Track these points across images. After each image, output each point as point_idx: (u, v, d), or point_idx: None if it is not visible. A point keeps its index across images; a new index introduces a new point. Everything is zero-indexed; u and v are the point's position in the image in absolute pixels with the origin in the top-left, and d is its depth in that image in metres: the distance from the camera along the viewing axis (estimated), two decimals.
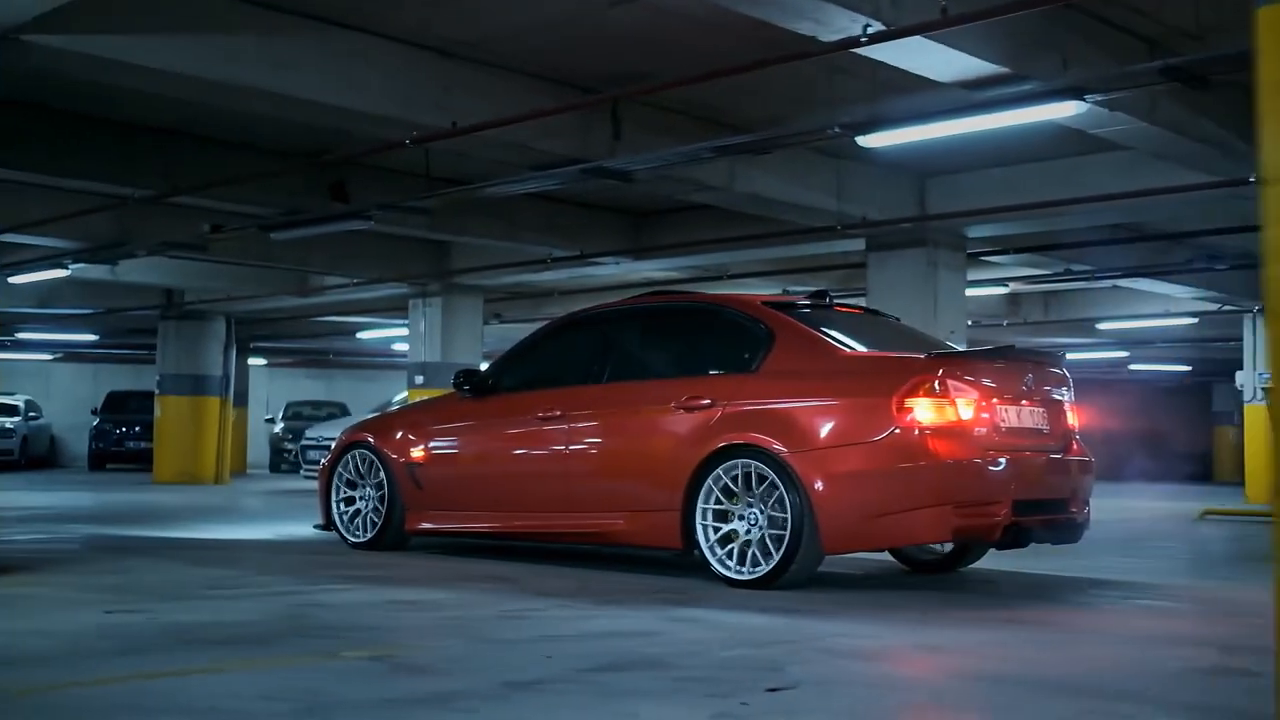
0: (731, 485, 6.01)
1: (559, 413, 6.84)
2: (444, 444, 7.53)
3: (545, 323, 8.00)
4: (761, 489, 5.91)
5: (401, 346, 28.03)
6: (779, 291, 17.48)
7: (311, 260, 15.34)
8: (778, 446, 5.85)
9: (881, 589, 6.35)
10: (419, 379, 16.58)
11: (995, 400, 5.90)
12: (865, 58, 6.80)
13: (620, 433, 6.65)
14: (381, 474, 7.62)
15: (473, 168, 10.61)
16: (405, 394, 16.69)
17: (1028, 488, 5.91)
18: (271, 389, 30.05)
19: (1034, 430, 6.12)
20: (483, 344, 17.22)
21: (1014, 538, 5.84)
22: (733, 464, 6.01)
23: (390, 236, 15.72)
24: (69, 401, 28.94)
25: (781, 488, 5.81)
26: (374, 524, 7.66)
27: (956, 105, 7.60)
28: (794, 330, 6.25)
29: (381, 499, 7.61)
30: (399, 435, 7.66)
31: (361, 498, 7.78)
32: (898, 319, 7.50)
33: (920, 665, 4.24)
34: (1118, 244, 14.01)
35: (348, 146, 9.92)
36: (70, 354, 28.59)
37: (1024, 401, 6.08)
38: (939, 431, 5.66)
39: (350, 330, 23.42)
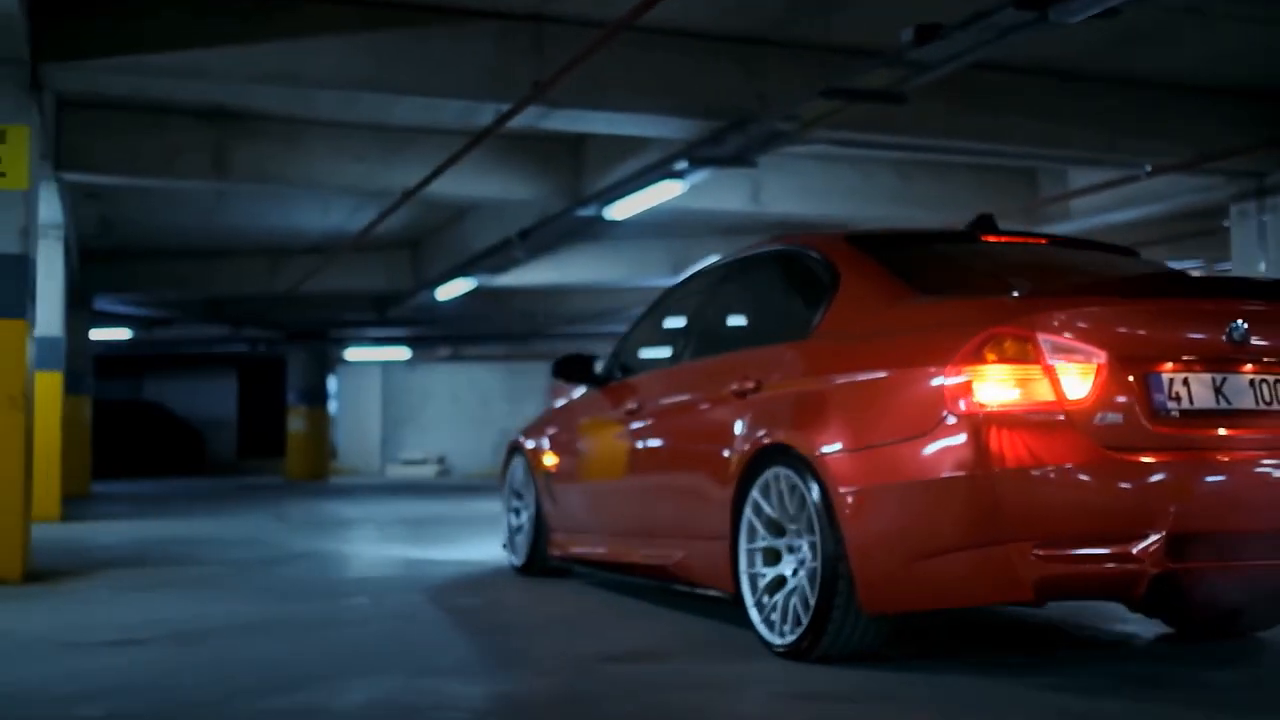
0: (777, 505, 4.16)
1: (636, 405, 5.38)
2: (562, 449, 6.29)
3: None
4: (807, 512, 4.00)
5: None
6: None
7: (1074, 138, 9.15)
8: (806, 449, 3.96)
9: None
10: None
11: (1162, 365, 3.57)
12: None
13: (673, 432, 5.10)
14: (533, 486, 6.49)
15: None
16: None
17: (1211, 513, 3.52)
18: None
19: (1252, 415, 3.61)
20: None
21: (1170, 596, 3.67)
22: (770, 475, 4.17)
23: (1192, 91, 9.39)
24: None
25: (811, 510, 3.93)
26: (528, 544, 6.49)
27: None
28: (861, 273, 4.22)
29: (531, 516, 6.49)
30: (539, 439, 6.53)
31: (523, 514, 6.64)
32: (1109, 249, 4.74)
33: None
34: None
35: None
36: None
37: (1234, 365, 3.63)
38: (1019, 419, 3.48)
39: None
